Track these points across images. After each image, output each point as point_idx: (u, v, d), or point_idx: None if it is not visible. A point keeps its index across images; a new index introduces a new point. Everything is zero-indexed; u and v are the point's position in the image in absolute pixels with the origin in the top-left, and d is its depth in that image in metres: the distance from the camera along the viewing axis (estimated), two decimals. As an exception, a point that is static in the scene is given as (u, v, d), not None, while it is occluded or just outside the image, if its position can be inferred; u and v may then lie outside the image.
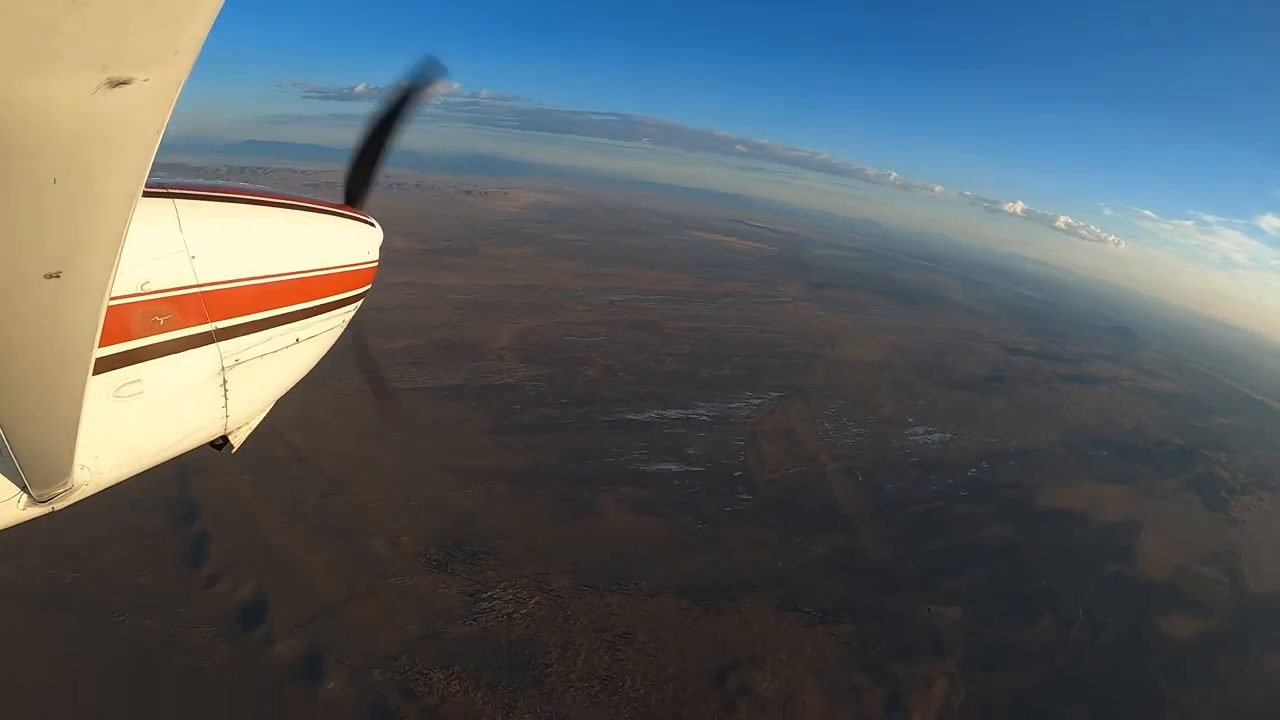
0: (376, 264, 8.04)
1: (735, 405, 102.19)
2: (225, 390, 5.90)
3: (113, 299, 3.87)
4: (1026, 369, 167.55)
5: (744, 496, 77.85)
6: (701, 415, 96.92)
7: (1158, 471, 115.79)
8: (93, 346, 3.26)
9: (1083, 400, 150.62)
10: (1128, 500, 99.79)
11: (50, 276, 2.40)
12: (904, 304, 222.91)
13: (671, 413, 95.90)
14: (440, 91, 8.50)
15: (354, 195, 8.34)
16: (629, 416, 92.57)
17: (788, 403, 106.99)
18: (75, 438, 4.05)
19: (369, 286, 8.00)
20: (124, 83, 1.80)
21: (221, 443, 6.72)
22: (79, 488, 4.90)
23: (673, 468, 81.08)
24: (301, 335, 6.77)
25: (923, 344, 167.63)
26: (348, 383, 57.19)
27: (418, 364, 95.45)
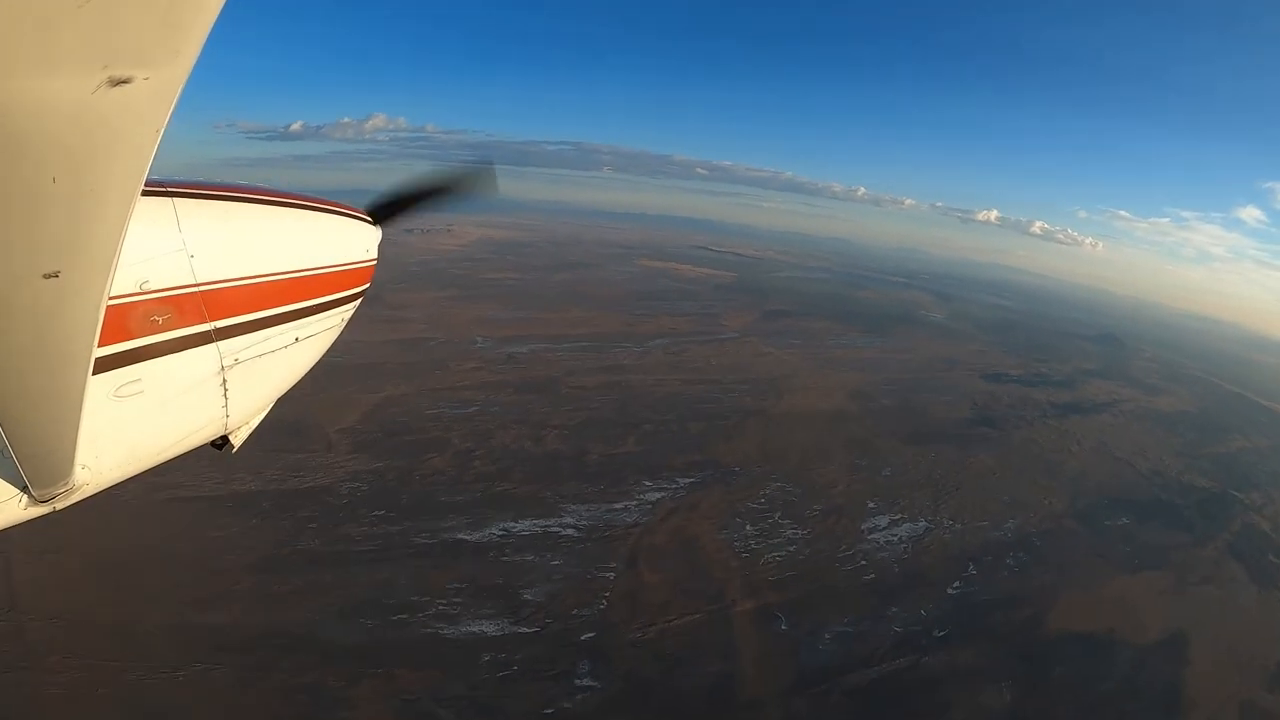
0: (375, 262, 7.69)
1: (620, 506, 75.00)
2: (225, 390, 5.79)
3: (112, 298, 3.73)
4: (1015, 402, 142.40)
5: (585, 682, 52.10)
6: (566, 527, 70.27)
7: (1191, 537, 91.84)
8: (92, 346, 3.23)
9: (1085, 437, 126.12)
10: (1164, 596, 75.09)
11: (49, 276, 2.37)
12: (870, 330, 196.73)
13: (523, 525, 69.53)
14: (481, 195, 8.65)
15: (377, 216, 7.94)
16: (459, 536, 67.29)
17: (700, 493, 79.79)
18: (75, 437, 4.02)
19: (368, 285, 7.65)
20: (124, 82, 1.80)
21: (222, 442, 6.56)
22: (79, 488, 4.86)
23: (489, 629, 56.18)
24: (301, 334, 6.56)
25: (890, 381, 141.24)
26: (131, 488, 41.61)
27: (219, 461, 67.33)
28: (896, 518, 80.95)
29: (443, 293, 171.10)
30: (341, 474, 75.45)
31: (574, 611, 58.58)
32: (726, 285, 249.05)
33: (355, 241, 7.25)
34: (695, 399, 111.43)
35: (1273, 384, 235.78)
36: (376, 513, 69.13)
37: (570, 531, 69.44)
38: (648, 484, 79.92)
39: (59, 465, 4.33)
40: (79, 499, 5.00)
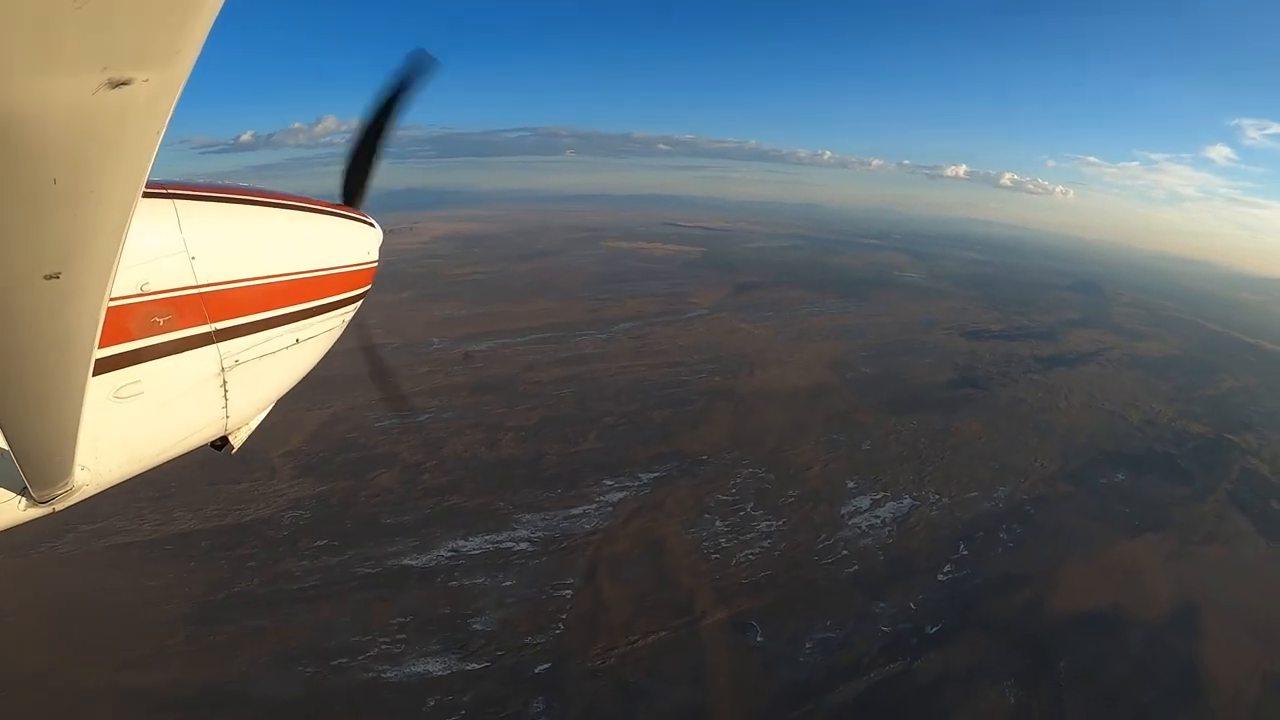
0: (376, 264, 7.92)
1: (579, 511, 68.55)
2: (225, 391, 5.80)
3: (112, 300, 3.84)
4: (998, 359, 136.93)
5: (539, 722, 45.73)
6: (520, 541, 63.92)
7: (1191, 490, 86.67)
8: (92, 347, 3.23)
9: (1073, 390, 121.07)
10: (1170, 560, 69.85)
11: (50, 277, 2.38)
12: (845, 296, 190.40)
13: (473, 544, 63.18)
14: (424, 81, 8.29)
15: (351, 196, 8.22)
16: (405, 561, 60.97)
17: (666, 489, 73.39)
18: (75, 439, 4.01)
19: (369, 287, 7.84)
20: (124, 83, 1.81)
21: (221, 443, 6.56)
22: (79, 489, 4.88)
23: (435, 667, 50.13)
24: (301, 336, 6.61)
25: (867, 348, 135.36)
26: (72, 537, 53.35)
27: (160, 500, 66.12)
28: (879, 497, 74.91)
29: (401, 295, 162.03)
30: (284, 502, 69.15)
31: (527, 640, 52.40)
32: (695, 261, 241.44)
33: (356, 243, 7.27)
34: (660, 384, 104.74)
35: (1253, 320, 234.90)
36: (318, 543, 62.85)
37: (524, 545, 63.12)
38: (609, 483, 73.52)
39: (59, 466, 4.26)
40: (79, 500, 4.96)
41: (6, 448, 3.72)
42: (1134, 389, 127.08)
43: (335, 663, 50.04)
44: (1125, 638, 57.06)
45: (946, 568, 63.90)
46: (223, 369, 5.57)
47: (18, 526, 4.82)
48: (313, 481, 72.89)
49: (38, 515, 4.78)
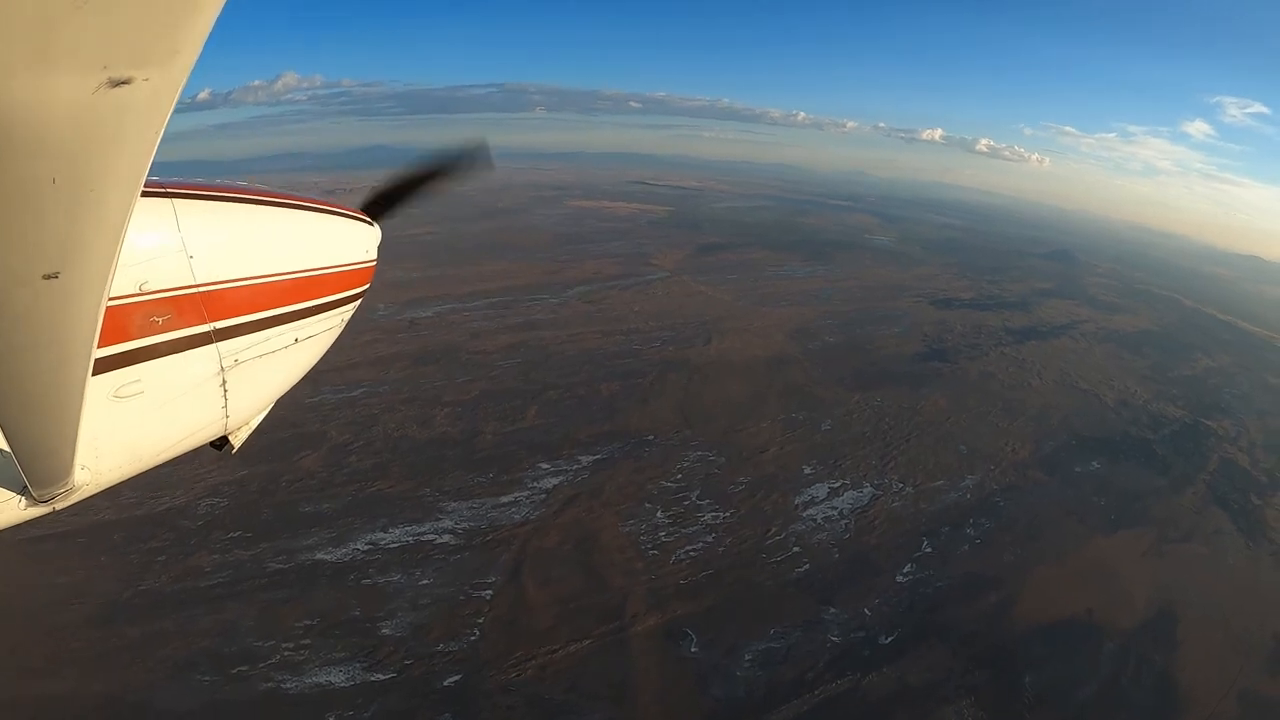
0: (375, 263, 7.49)
1: (510, 499, 62.38)
2: (225, 390, 5.69)
3: (111, 299, 3.88)
4: (968, 330, 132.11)
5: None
6: (443, 533, 58.13)
7: (1169, 481, 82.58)
8: (92, 347, 3.21)
9: (1046, 366, 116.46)
10: (1146, 559, 65.81)
11: (49, 277, 2.38)
12: (812, 258, 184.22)
13: (393, 535, 57.47)
14: (478, 173, 8.24)
15: (372, 212, 7.72)
16: (318, 556, 55.48)
17: (606, 473, 67.27)
18: (75, 438, 4.00)
19: (368, 286, 7.46)
20: (124, 82, 1.81)
21: (221, 443, 6.47)
22: (79, 488, 4.82)
23: (338, 678, 45.33)
24: (300, 335, 6.43)
25: (832, 315, 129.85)
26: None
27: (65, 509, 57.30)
28: (837, 485, 69.28)
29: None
30: (201, 489, 63.16)
31: (439, 647, 47.09)
32: (661, 221, 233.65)
33: (355, 242, 6.98)
34: (612, 354, 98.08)
35: (1226, 296, 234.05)
36: (232, 535, 57.56)
37: (447, 538, 57.23)
38: (544, 467, 67.15)
39: (59, 466, 4.27)
40: (78, 499, 4.89)
41: (6, 447, 3.66)
42: (1108, 366, 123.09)
43: (235, 671, 45.65)
44: (1098, 649, 52.60)
45: (907, 568, 58.57)
46: (222, 368, 5.41)
47: (17, 526, 4.70)
48: (234, 465, 66.06)
49: (38, 515, 4.70)
